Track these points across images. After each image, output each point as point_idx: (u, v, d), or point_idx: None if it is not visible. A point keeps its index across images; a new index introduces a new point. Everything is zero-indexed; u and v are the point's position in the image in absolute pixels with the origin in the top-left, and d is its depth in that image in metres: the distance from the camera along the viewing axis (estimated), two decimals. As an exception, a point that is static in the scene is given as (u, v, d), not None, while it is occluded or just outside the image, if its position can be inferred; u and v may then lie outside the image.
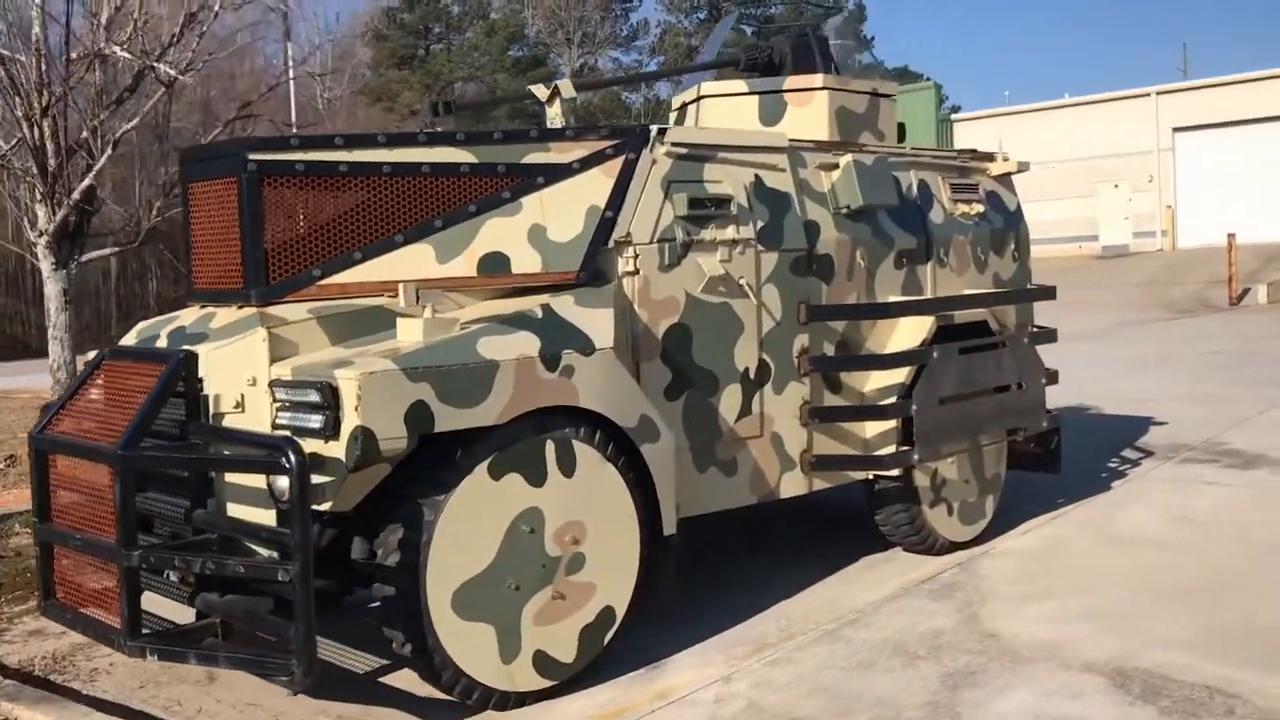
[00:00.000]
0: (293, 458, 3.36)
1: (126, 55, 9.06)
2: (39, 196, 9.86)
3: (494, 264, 4.31)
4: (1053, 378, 6.19)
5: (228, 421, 3.85)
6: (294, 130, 16.45)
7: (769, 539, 6.22)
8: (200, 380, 3.87)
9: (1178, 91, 32.42)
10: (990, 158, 6.39)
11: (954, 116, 37.59)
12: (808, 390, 5.16)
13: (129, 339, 4.51)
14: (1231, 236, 23.54)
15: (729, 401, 4.88)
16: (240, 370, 3.83)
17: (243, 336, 3.86)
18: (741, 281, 4.87)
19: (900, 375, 5.37)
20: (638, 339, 4.56)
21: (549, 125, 5.24)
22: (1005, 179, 6.45)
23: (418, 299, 3.88)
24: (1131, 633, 4.48)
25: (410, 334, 3.85)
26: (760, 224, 4.97)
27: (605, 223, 4.49)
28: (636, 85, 49.23)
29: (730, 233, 4.84)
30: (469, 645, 3.82)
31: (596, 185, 4.55)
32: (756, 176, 5.02)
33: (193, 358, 3.87)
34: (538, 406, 3.93)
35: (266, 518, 3.74)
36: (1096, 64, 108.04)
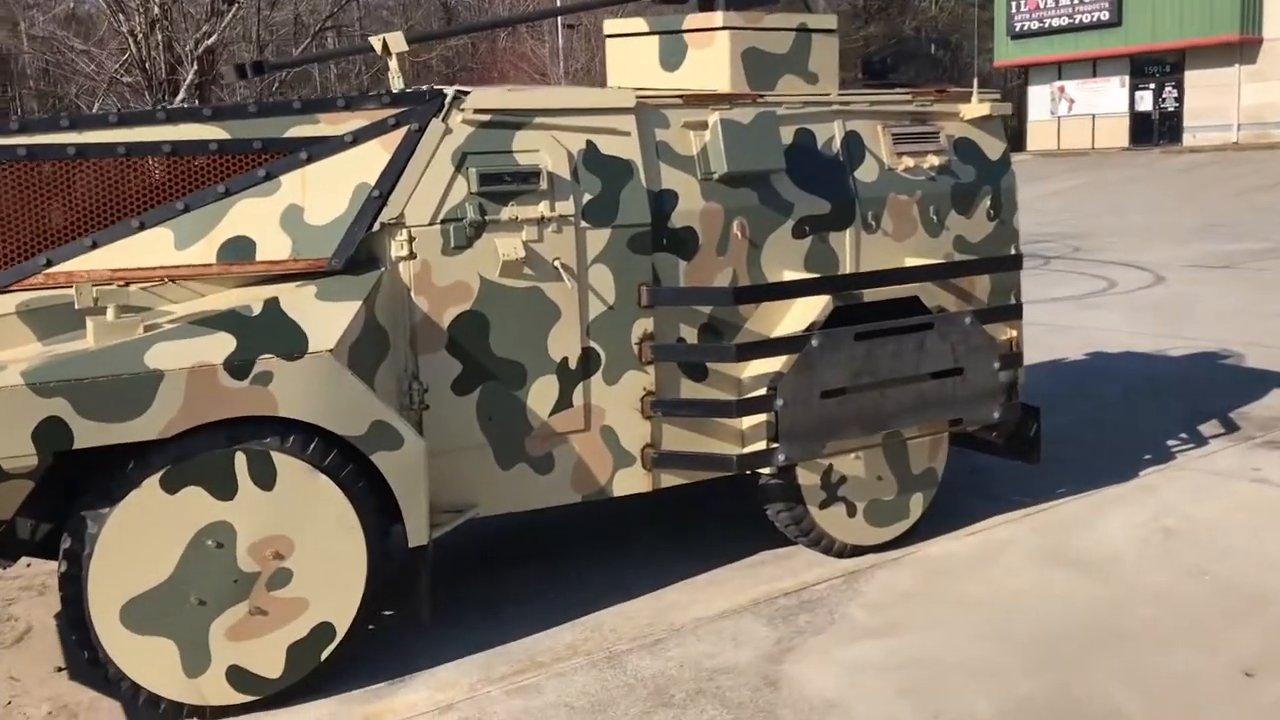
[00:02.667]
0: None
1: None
2: (148, 110, 10.37)
3: (236, 250, 4.05)
4: (1010, 360, 5.29)
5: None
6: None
7: (675, 525, 5.71)
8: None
9: None
10: (964, 98, 5.43)
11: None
12: (652, 380, 4.65)
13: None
14: None
15: (541, 394, 4.46)
16: None
17: (-65, 331, 3.82)
18: (556, 263, 4.40)
19: (778, 364, 4.74)
20: (415, 329, 4.21)
21: (391, 81, 4.86)
22: (989, 121, 5.48)
23: (95, 299, 3.69)
24: (927, 698, 3.83)
25: (87, 337, 3.69)
26: (587, 197, 4.44)
27: (371, 202, 4.13)
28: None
29: (540, 209, 4.35)
30: (144, 659, 3.71)
31: (370, 160, 4.18)
32: (589, 143, 4.47)
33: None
34: (220, 418, 3.69)
35: None
36: None
